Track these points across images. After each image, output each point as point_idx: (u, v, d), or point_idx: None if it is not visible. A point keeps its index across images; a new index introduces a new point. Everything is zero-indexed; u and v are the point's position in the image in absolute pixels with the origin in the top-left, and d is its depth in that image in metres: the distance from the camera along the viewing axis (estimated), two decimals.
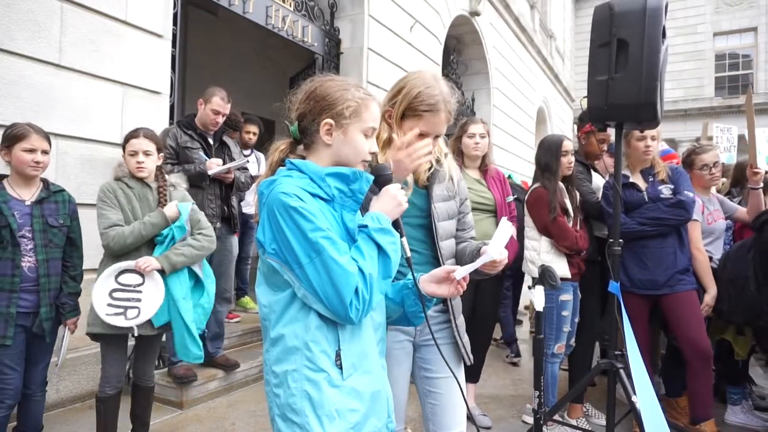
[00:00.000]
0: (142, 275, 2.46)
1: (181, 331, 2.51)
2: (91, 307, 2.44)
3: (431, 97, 1.59)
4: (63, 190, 2.51)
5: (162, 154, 2.68)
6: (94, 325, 2.43)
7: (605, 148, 3.46)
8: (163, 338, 2.95)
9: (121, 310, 2.41)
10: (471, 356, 1.75)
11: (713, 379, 2.81)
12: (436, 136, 1.65)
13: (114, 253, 2.47)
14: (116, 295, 2.42)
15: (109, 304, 2.39)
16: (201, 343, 2.57)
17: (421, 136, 1.61)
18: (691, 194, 2.84)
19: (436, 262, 1.64)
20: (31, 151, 2.31)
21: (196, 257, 2.59)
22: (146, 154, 2.56)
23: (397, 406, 1.67)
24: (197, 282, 2.64)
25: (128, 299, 2.43)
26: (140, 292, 2.45)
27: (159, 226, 2.51)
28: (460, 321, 1.75)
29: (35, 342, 2.39)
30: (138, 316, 2.42)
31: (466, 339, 1.74)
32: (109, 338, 2.46)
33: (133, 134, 2.59)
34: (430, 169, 1.69)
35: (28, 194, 2.37)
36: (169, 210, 2.55)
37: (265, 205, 1.19)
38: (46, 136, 2.40)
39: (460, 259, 1.70)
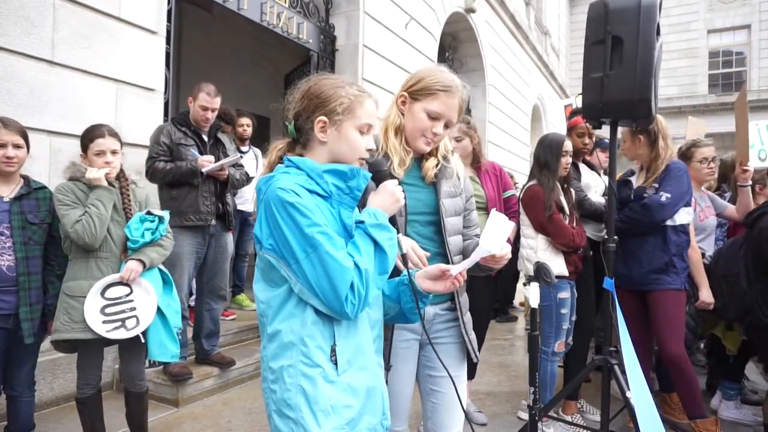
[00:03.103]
0: (128, 285, 2.39)
1: (157, 328, 2.43)
2: (57, 313, 2.34)
3: (448, 80, 1.61)
4: (45, 187, 2.45)
5: (123, 150, 2.54)
6: (62, 332, 2.29)
7: (586, 141, 3.44)
8: None
9: (119, 323, 2.34)
10: (478, 354, 1.75)
11: (696, 378, 2.80)
12: (447, 125, 1.64)
13: (88, 246, 2.32)
14: (108, 310, 2.33)
15: (105, 321, 2.31)
16: (178, 341, 2.52)
17: (433, 119, 1.60)
18: (668, 195, 2.73)
19: (444, 258, 1.63)
20: (1, 146, 2.25)
21: (164, 257, 2.55)
22: (113, 153, 2.43)
23: (401, 405, 1.67)
24: (165, 282, 2.57)
25: (122, 311, 2.35)
26: (132, 301, 2.38)
27: (107, 197, 2.34)
28: (467, 318, 1.74)
29: (18, 343, 2.32)
30: (138, 324, 2.37)
31: (473, 336, 1.74)
32: (85, 343, 2.36)
33: (97, 133, 2.41)
34: (437, 165, 1.68)
35: (7, 191, 2.32)
36: (91, 173, 2.34)
37: (263, 201, 1.19)
38: (20, 130, 2.31)
39: (465, 256, 1.69)
